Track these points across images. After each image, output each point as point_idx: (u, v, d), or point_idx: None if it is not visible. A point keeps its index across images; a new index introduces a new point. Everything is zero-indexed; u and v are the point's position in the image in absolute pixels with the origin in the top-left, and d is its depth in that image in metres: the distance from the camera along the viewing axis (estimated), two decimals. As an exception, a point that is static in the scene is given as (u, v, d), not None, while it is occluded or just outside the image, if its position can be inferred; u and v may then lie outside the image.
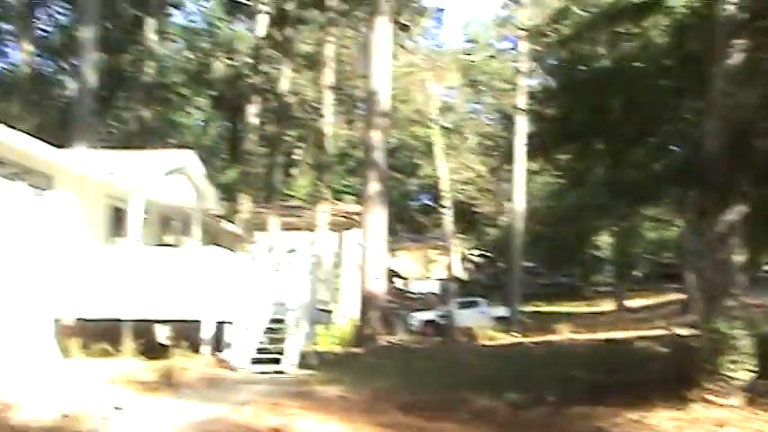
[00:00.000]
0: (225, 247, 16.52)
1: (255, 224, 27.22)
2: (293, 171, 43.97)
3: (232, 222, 25.08)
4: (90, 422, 7.66)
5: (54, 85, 38.97)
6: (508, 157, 36.40)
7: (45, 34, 36.98)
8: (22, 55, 30.95)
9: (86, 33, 23.00)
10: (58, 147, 15.02)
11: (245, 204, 28.16)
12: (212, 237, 20.48)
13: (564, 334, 22.82)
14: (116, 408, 8.22)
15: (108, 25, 31.44)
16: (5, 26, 35.77)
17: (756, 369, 8.41)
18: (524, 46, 32.92)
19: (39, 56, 35.80)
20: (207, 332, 13.26)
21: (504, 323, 29.11)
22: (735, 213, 11.08)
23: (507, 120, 41.00)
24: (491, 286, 41.88)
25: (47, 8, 36.22)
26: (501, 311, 31.54)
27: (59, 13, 37.78)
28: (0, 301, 9.88)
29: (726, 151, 11.31)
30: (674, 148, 17.90)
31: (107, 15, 30.33)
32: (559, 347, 18.50)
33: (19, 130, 13.79)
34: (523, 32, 31.24)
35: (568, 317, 30.67)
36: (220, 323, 13.50)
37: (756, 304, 12.75)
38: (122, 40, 35.45)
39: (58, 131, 26.20)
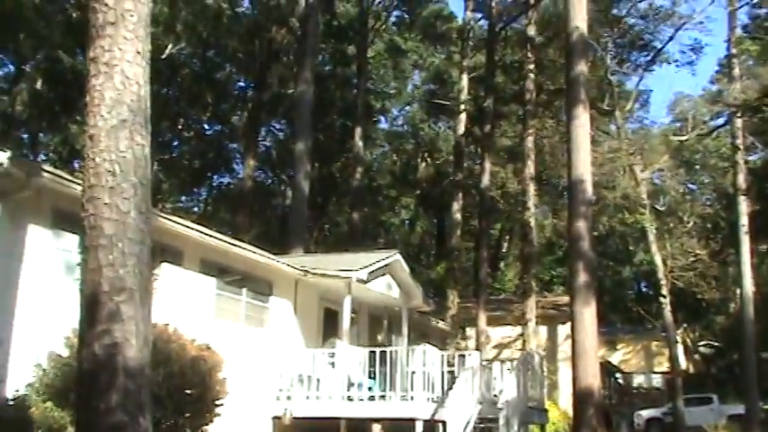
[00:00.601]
0: (434, 345, 16.57)
1: (463, 319, 27.12)
2: (499, 264, 43.70)
3: (441, 319, 25.17)
4: None
5: (273, 195, 42.27)
6: (732, 238, 33.77)
7: (265, 149, 40.51)
8: (245, 170, 33.94)
9: (300, 146, 24.83)
10: (277, 253, 16.12)
11: (453, 300, 28.23)
12: (421, 334, 20.66)
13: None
14: None
15: (320, 136, 33.87)
16: (232, 145, 39.72)
17: None
18: (740, 121, 30.89)
19: (260, 169, 39.18)
20: (419, 431, 13.18)
21: (740, 422, 26.39)
22: None
23: (727, 199, 38.26)
24: (723, 380, 38.28)
25: (267, 126, 39.78)
26: (736, 409, 28.68)
27: (278, 129, 41.42)
28: (226, 401, 10.51)
29: None
30: None
31: (319, 127, 32.76)
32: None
33: (243, 239, 15.02)
34: (736, 108, 29.35)
35: (820, 416, 27.25)
36: (432, 422, 13.37)
37: None
38: (333, 149, 37.97)
39: (276, 238, 28.20)
